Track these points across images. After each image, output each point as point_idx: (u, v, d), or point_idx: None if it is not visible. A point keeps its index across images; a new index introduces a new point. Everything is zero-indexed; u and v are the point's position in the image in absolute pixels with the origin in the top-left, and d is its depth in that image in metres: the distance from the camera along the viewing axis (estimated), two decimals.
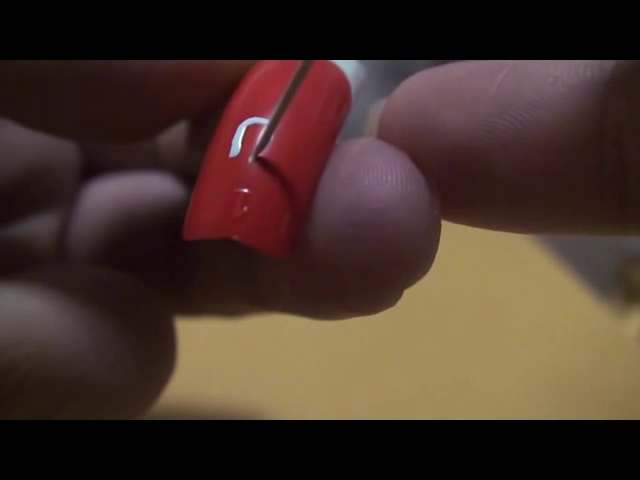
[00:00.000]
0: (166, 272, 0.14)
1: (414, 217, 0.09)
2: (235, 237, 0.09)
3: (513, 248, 0.31)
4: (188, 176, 0.14)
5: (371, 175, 0.09)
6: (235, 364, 0.23)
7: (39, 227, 0.14)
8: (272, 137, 0.09)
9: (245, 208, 0.09)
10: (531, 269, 0.29)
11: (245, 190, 0.09)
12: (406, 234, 0.09)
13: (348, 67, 0.11)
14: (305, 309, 0.10)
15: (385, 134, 0.10)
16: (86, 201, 0.14)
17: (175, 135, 0.13)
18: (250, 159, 0.09)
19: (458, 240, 0.33)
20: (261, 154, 0.09)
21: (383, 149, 0.09)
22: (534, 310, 0.26)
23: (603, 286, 0.30)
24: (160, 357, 0.11)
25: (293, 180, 0.09)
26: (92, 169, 0.15)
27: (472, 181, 0.09)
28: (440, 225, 0.09)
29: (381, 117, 0.10)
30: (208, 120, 0.11)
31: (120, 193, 0.14)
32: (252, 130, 0.09)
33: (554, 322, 0.26)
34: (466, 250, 0.31)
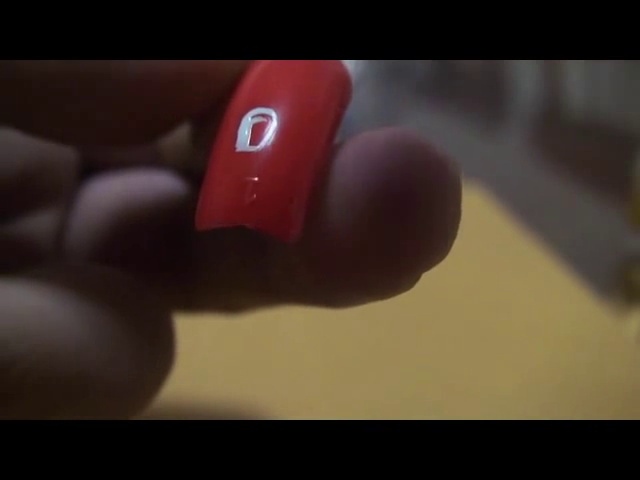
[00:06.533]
0: (168, 268, 0.14)
1: (440, 202, 0.09)
2: (246, 223, 0.09)
3: (513, 248, 0.31)
4: (190, 174, 0.14)
5: (399, 159, 0.09)
6: (234, 364, 0.23)
7: (38, 225, 0.14)
8: (277, 125, 0.09)
9: (254, 195, 0.09)
10: (531, 269, 0.29)
11: (254, 178, 0.09)
12: (431, 219, 0.09)
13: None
14: (320, 295, 0.10)
15: None
16: (86, 198, 0.14)
17: (177, 133, 0.13)
18: (257, 148, 0.09)
19: (458, 240, 0.33)
20: (267, 143, 0.09)
21: (410, 135, 0.09)
22: (534, 310, 0.26)
23: (603, 286, 0.30)
24: (160, 352, 0.11)
25: (299, 167, 0.09)
26: (92, 167, 0.15)
27: None
28: (461, 210, 0.09)
29: None
30: (210, 118, 0.11)
31: (121, 190, 0.14)
32: (258, 119, 0.10)
33: (554, 322, 0.26)
34: (466, 250, 0.31)
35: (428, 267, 0.09)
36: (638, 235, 0.33)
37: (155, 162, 0.15)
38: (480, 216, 0.35)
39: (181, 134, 0.13)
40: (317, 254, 0.10)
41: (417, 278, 0.10)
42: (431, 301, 0.26)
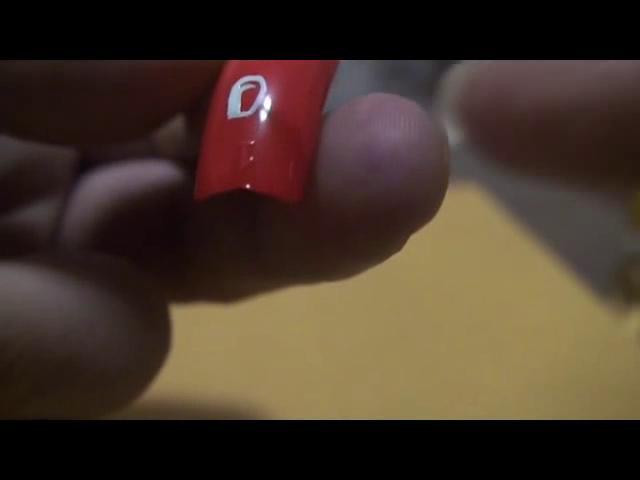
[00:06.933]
0: (163, 255, 0.14)
1: (424, 161, 0.09)
2: (246, 186, 0.09)
3: (513, 248, 0.31)
4: (186, 164, 0.14)
5: (384, 120, 0.09)
6: (233, 364, 0.23)
7: (35, 217, 0.14)
8: (267, 90, 0.10)
9: (251, 158, 0.09)
10: (531, 269, 0.29)
11: (249, 142, 0.09)
12: (416, 177, 0.09)
13: None
14: (312, 265, 0.10)
15: (472, 97, 0.10)
16: (82, 191, 0.14)
17: (172, 124, 0.13)
18: (249, 113, 0.09)
19: (459, 240, 0.33)
20: (258, 107, 0.09)
21: (395, 99, 0.09)
22: (534, 310, 0.26)
23: (603, 286, 0.30)
24: (155, 339, 0.11)
25: (292, 126, 0.09)
26: (90, 160, 0.15)
27: (549, 140, 0.10)
28: (449, 173, 0.10)
29: (468, 83, 0.11)
30: (204, 106, 0.11)
31: (117, 180, 0.14)
32: (248, 86, 0.10)
33: (554, 322, 0.26)
34: (466, 250, 0.31)
35: (415, 227, 0.09)
36: (638, 235, 0.33)
37: (151, 153, 0.15)
38: (479, 216, 0.35)
39: (176, 125, 0.13)
40: (309, 218, 0.10)
41: (405, 239, 0.10)
42: (431, 301, 0.26)
